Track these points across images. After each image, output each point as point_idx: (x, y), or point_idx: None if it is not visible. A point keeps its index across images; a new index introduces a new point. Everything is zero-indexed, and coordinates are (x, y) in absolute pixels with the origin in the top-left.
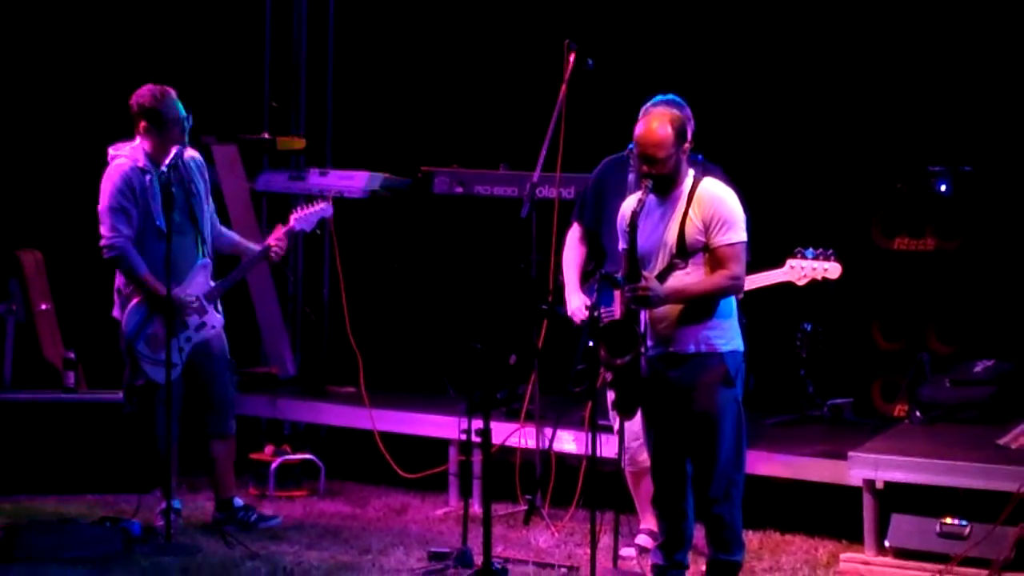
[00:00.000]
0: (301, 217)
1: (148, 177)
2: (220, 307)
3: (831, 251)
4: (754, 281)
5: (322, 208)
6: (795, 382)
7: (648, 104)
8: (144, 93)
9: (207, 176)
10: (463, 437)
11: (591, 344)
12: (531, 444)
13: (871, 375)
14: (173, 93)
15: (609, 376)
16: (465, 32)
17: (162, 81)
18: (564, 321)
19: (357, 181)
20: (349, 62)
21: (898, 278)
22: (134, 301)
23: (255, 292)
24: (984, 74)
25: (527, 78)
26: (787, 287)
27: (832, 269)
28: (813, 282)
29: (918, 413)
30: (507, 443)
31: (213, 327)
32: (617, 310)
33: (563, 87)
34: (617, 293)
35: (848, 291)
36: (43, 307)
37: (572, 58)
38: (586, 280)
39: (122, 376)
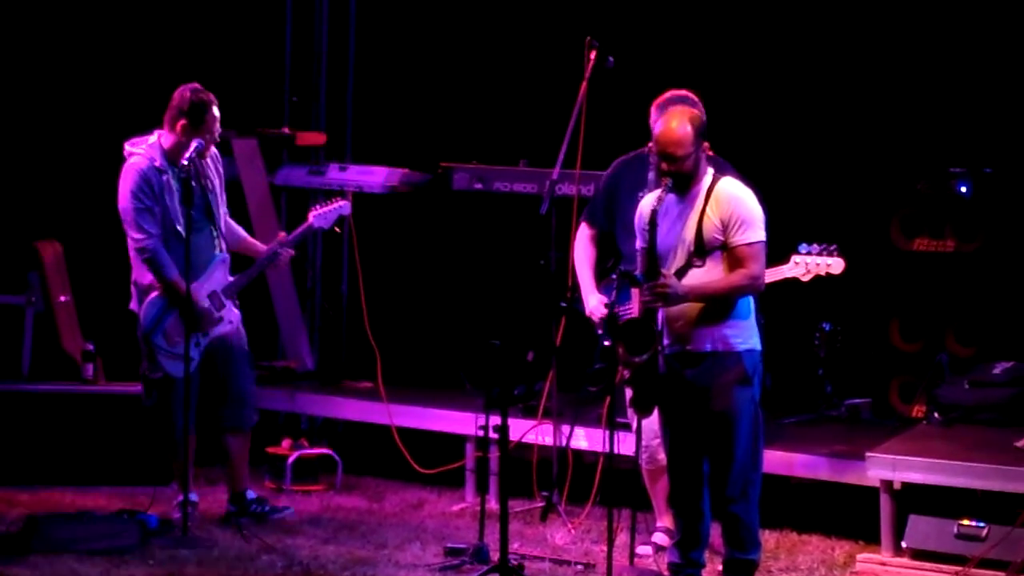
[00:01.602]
0: (320, 215)
1: (165, 177)
2: (236, 301)
3: (834, 246)
4: None
5: (340, 206)
6: (813, 382)
7: (661, 100)
8: (195, 93)
9: (222, 170)
10: (480, 433)
11: (607, 342)
12: (548, 441)
13: (889, 375)
14: (216, 104)
15: (627, 374)
16: (486, 28)
17: (182, 74)
18: (582, 318)
19: (376, 176)
20: (370, 57)
21: (917, 279)
22: (153, 294)
23: (274, 286)
24: (1005, 76)
25: (547, 75)
26: (804, 287)
27: (835, 264)
28: (817, 278)
29: (936, 414)
30: (524, 440)
31: (230, 322)
32: (635, 308)
33: (583, 84)
34: (635, 291)
35: (867, 291)
36: (62, 299)
37: (593, 56)
38: (603, 278)
39: (139, 369)
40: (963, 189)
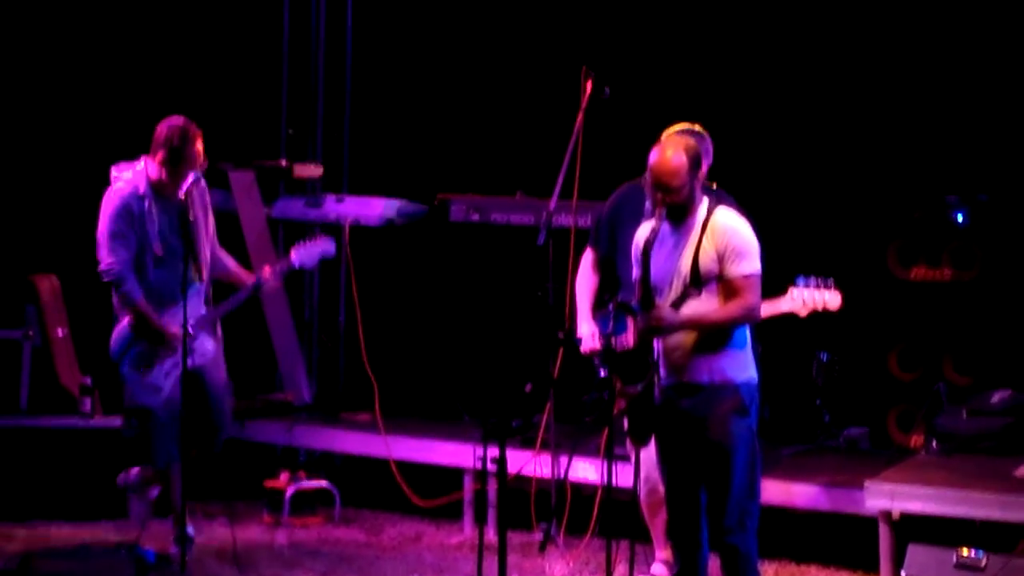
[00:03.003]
0: (303, 254)
1: (146, 203)
2: (220, 331)
3: (831, 279)
4: None
5: (324, 247)
6: (811, 411)
7: (668, 132)
8: (175, 128)
9: (208, 200)
10: (478, 465)
11: (603, 372)
12: (546, 473)
13: (887, 405)
14: (200, 136)
15: (623, 404)
16: (482, 59)
17: (179, 105)
18: (580, 350)
19: (374, 208)
20: (366, 88)
21: (915, 307)
22: (123, 323)
23: (271, 318)
24: (1000, 103)
25: (544, 105)
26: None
27: (832, 300)
28: (815, 313)
29: (935, 443)
30: (522, 472)
31: (203, 354)
32: (631, 338)
33: (580, 114)
34: (631, 321)
35: (864, 320)
36: (59, 333)
37: (589, 85)
38: (601, 307)
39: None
40: (959, 217)
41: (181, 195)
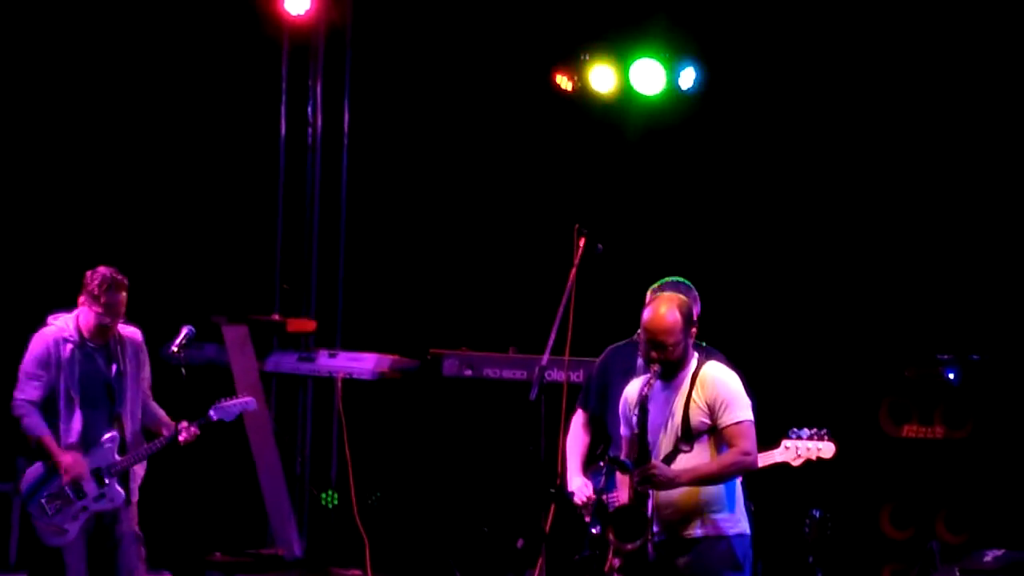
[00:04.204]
0: (222, 408)
1: (69, 347)
2: (138, 485)
3: (825, 431)
4: None
5: (245, 402)
6: (803, 569)
7: (655, 287)
8: (99, 277)
9: (144, 358)
10: None
11: (596, 529)
12: None
13: (880, 563)
14: (123, 285)
15: (617, 562)
16: (476, 216)
17: (175, 262)
18: (571, 505)
19: (366, 363)
20: (360, 244)
21: (907, 465)
22: (37, 464)
23: (262, 472)
24: (990, 265)
25: (536, 261)
26: (794, 472)
27: (826, 448)
28: (808, 462)
29: None
30: None
31: (112, 500)
32: (623, 495)
33: (573, 271)
34: (623, 477)
35: (856, 478)
36: None
37: (582, 242)
38: (591, 465)
39: None
40: (951, 376)
41: (173, 348)
